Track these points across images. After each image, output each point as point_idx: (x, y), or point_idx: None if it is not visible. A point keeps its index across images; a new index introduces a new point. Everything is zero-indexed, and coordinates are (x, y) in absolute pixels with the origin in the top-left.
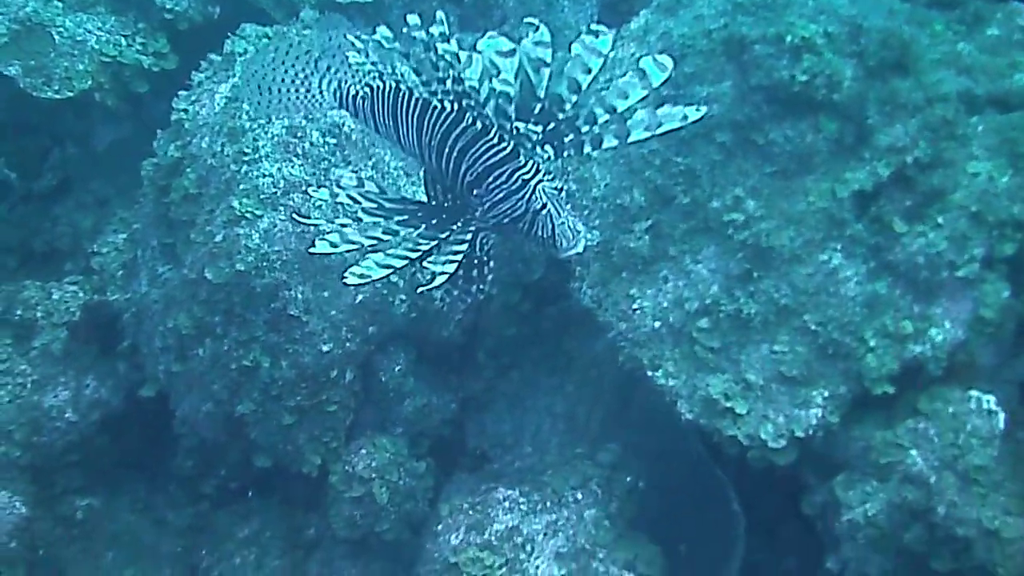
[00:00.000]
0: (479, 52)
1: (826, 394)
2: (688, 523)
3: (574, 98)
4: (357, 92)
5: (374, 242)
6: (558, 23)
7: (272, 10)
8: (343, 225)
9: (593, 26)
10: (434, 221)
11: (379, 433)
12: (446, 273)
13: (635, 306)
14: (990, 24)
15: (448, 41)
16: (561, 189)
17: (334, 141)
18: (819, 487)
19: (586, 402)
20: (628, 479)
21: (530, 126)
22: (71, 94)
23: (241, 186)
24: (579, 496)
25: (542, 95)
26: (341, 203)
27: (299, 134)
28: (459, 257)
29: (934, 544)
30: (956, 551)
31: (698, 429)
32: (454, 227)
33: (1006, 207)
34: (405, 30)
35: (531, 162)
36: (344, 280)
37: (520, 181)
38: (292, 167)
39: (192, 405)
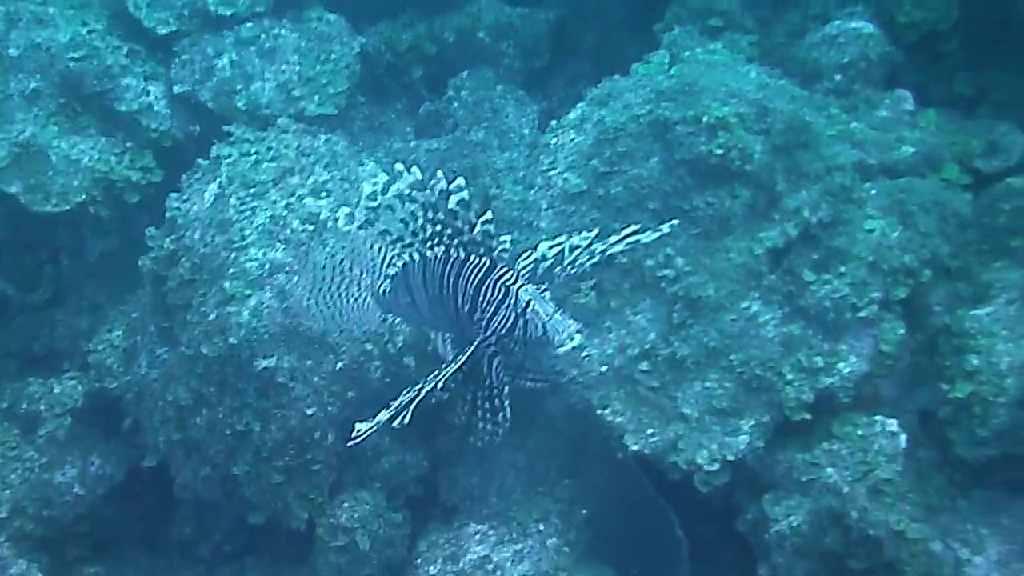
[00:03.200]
0: (453, 192)
1: (752, 423)
2: (638, 548)
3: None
4: (384, 289)
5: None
6: (503, 127)
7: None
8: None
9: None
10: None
11: (359, 488)
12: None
13: (584, 354)
14: (879, 107)
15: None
16: (546, 289)
17: (312, 227)
18: (750, 507)
19: (545, 454)
20: (584, 511)
21: (500, 240)
22: (68, 207)
23: (231, 270)
24: (541, 527)
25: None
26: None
27: (280, 223)
28: (458, 364)
29: (850, 545)
30: (869, 550)
31: (643, 459)
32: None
33: (898, 257)
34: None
35: (509, 270)
36: (354, 439)
37: (503, 289)
38: (276, 251)
39: (191, 470)
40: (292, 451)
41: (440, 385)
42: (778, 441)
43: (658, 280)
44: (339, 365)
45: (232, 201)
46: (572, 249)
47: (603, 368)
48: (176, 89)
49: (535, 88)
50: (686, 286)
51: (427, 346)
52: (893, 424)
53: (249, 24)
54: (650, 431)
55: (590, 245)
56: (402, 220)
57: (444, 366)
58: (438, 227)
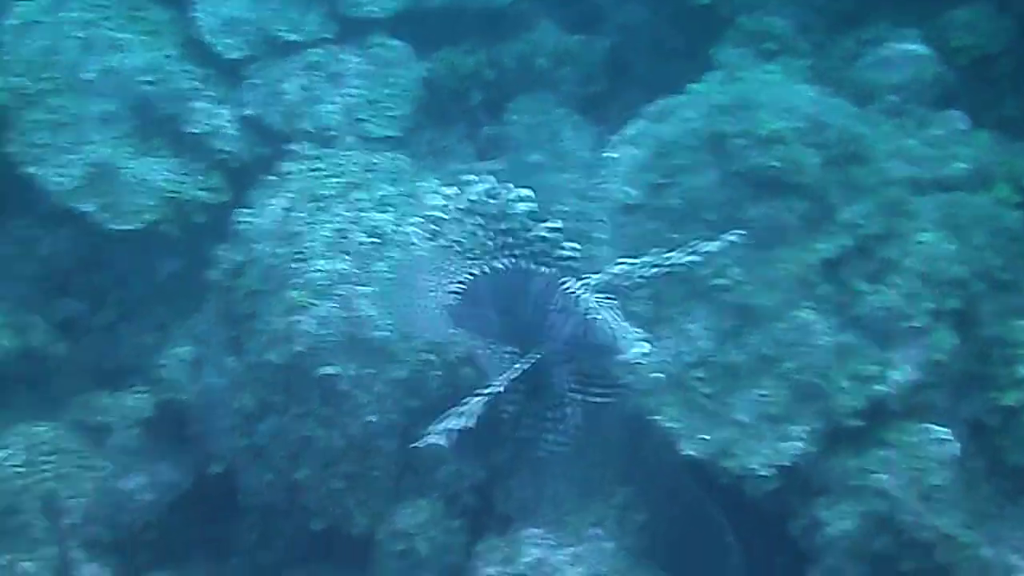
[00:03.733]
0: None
1: (805, 429)
2: (691, 554)
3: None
4: (453, 302)
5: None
6: (561, 150)
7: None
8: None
9: None
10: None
11: (418, 496)
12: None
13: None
14: (932, 126)
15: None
16: (613, 299)
17: (376, 240)
18: (802, 511)
19: (598, 464)
20: (638, 517)
21: (569, 247)
22: (141, 225)
23: (297, 280)
24: (597, 532)
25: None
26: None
27: (345, 235)
28: (525, 368)
29: (901, 548)
30: (920, 553)
31: (697, 464)
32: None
33: (950, 269)
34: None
35: (576, 279)
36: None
37: (570, 297)
38: (340, 263)
39: (256, 476)
40: (353, 458)
41: (507, 388)
42: (830, 447)
43: (712, 289)
44: (400, 374)
45: (299, 214)
46: (638, 266)
47: (659, 375)
48: (245, 112)
49: (592, 113)
50: (741, 295)
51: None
52: (944, 432)
53: (316, 49)
54: (704, 437)
55: (660, 262)
56: (470, 231)
57: (510, 372)
58: (507, 238)
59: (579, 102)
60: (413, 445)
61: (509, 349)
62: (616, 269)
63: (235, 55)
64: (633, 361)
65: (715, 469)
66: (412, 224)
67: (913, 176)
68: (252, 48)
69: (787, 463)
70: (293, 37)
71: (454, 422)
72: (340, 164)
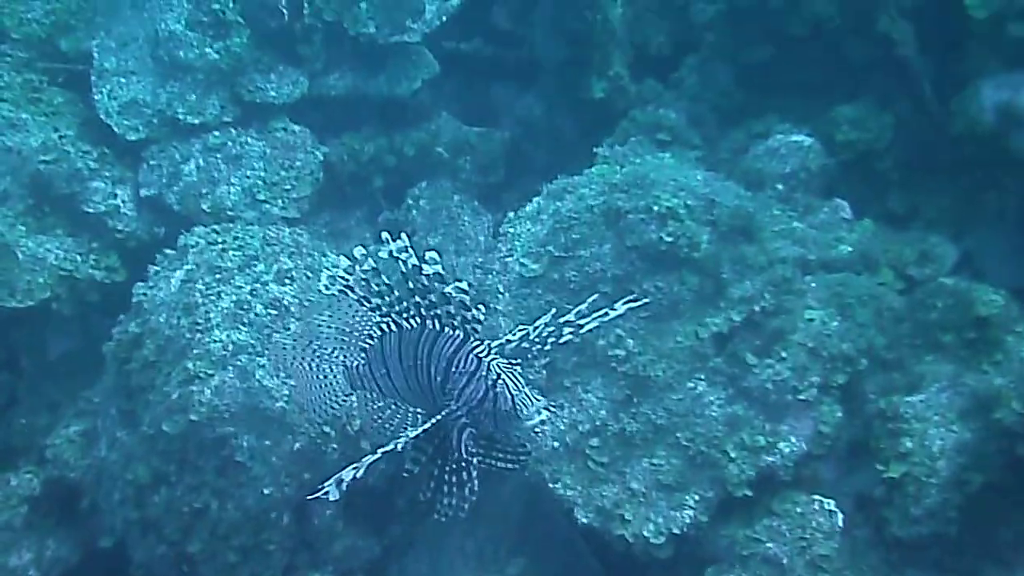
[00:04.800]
0: (428, 263)
1: (697, 498)
2: None
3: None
4: (355, 364)
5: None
6: (460, 234)
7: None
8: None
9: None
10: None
11: (312, 570)
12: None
13: (544, 429)
14: (818, 213)
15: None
16: (516, 364)
17: (275, 312)
18: None
19: (494, 540)
20: None
21: (476, 308)
22: (32, 303)
23: (195, 351)
24: None
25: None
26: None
27: (245, 307)
28: (426, 427)
29: None
30: None
31: (591, 532)
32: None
33: (836, 344)
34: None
35: (482, 343)
36: (323, 493)
37: (475, 360)
38: (240, 333)
39: (148, 548)
40: (248, 530)
41: (407, 447)
42: (721, 517)
43: (609, 359)
44: (297, 446)
45: (199, 286)
46: (542, 327)
47: (555, 443)
48: (143, 192)
49: (490, 202)
50: (635, 365)
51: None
52: (830, 503)
53: (216, 132)
54: (598, 505)
55: (561, 323)
56: (379, 290)
57: (412, 430)
58: (415, 298)
59: (478, 190)
60: (307, 496)
61: (411, 409)
62: (519, 334)
63: (134, 136)
64: (535, 429)
65: (609, 537)
66: (327, 276)
67: (801, 256)
68: (151, 130)
69: (679, 531)
70: (193, 120)
71: (347, 474)
72: (240, 238)
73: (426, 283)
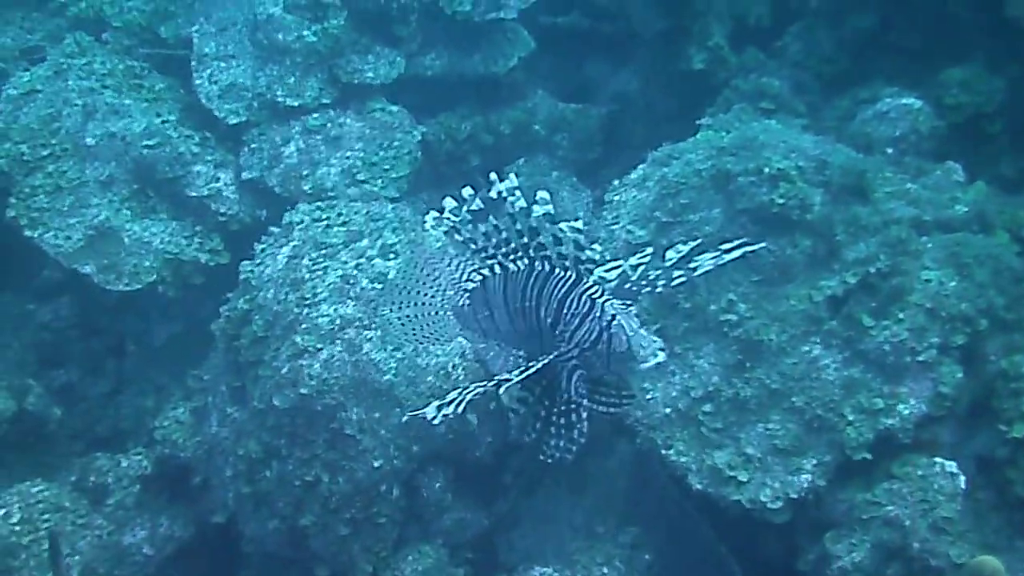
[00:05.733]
0: (537, 203)
1: (814, 462)
2: None
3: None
4: (462, 303)
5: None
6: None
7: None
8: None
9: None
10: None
11: (422, 543)
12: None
13: (648, 396)
14: (930, 175)
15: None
16: (631, 305)
17: (380, 285)
18: (811, 547)
19: (603, 511)
20: (647, 557)
21: (591, 248)
22: (139, 286)
23: (303, 325)
24: (605, 570)
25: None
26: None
27: (351, 281)
28: (537, 367)
29: None
30: None
31: (706, 497)
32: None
33: (955, 305)
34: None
35: (595, 285)
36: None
37: (588, 301)
38: (346, 307)
39: (260, 523)
40: (358, 504)
41: (516, 388)
42: (840, 481)
43: (721, 324)
44: (405, 419)
45: (305, 262)
46: (657, 266)
47: (667, 410)
48: (245, 175)
49: (588, 178)
50: (748, 330)
51: (490, 404)
52: (952, 465)
53: (315, 114)
54: (713, 470)
55: (675, 264)
56: (484, 232)
57: (520, 371)
58: (523, 239)
59: (575, 166)
60: (407, 415)
61: (519, 352)
62: (635, 270)
63: (234, 120)
64: (652, 368)
65: (724, 503)
66: (433, 217)
67: (916, 216)
68: (252, 113)
69: (796, 496)
70: (292, 102)
71: (451, 400)
72: (344, 214)
73: (535, 224)
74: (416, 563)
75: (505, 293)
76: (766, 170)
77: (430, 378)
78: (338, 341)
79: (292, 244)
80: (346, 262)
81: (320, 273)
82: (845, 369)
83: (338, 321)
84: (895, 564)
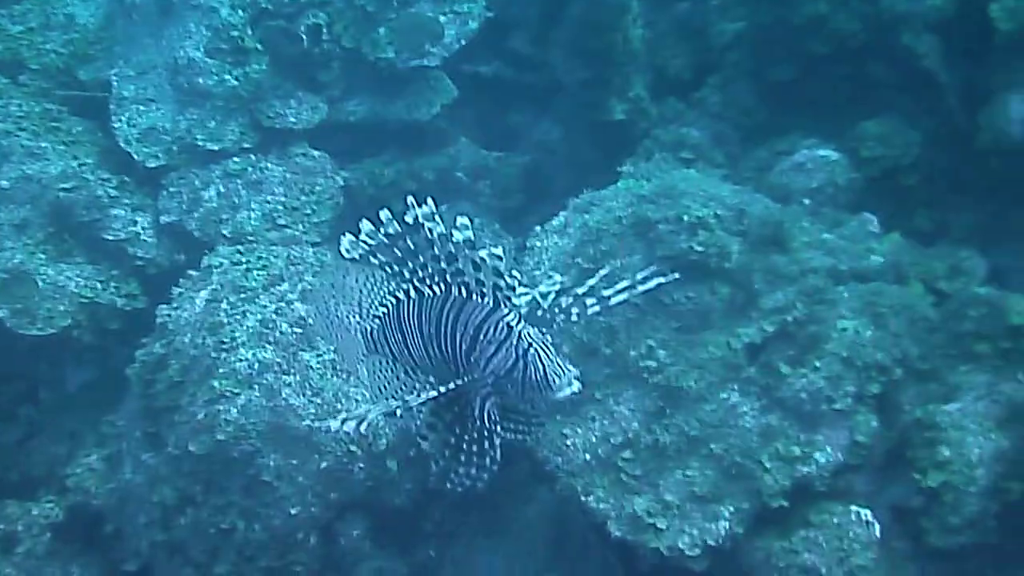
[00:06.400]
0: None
1: (732, 509)
2: None
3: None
4: (370, 329)
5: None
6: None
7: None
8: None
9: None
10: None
11: None
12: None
13: (568, 442)
14: (848, 225)
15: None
16: (546, 334)
17: (300, 330)
18: None
19: (523, 558)
20: None
21: (511, 275)
22: (53, 331)
23: (220, 370)
24: None
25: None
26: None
27: (270, 326)
28: (448, 390)
29: None
30: None
31: (625, 545)
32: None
33: (871, 354)
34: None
35: (513, 311)
36: (328, 426)
37: (505, 327)
38: (265, 352)
39: (174, 571)
40: (275, 551)
41: (427, 416)
42: (757, 528)
43: (640, 371)
44: (323, 465)
45: (223, 305)
46: (571, 294)
47: (587, 456)
48: (163, 219)
49: (510, 226)
50: (667, 376)
51: (410, 451)
52: (867, 513)
53: (236, 158)
54: (632, 517)
55: (588, 293)
56: (400, 256)
57: (431, 391)
58: (440, 264)
59: (498, 213)
60: (317, 425)
61: (425, 378)
62: (547, 296)
63: (153, 163)
64: (566, 398)
65: (643, 551)
66: (348, 240)
67: (832, 266)
68: (171, 157)
69: (714, 543)
70: (213, 146)
71: (363, 412)
72: (264, 258)
73: (453, 249)
74: None
75: (420, 318)
76: (685, 218)
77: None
78: (256, 386)
79: (211, 288)
80: (266, 306)
81: (239, 317)
82: (763, 416)
83: (256, 365)
84: None
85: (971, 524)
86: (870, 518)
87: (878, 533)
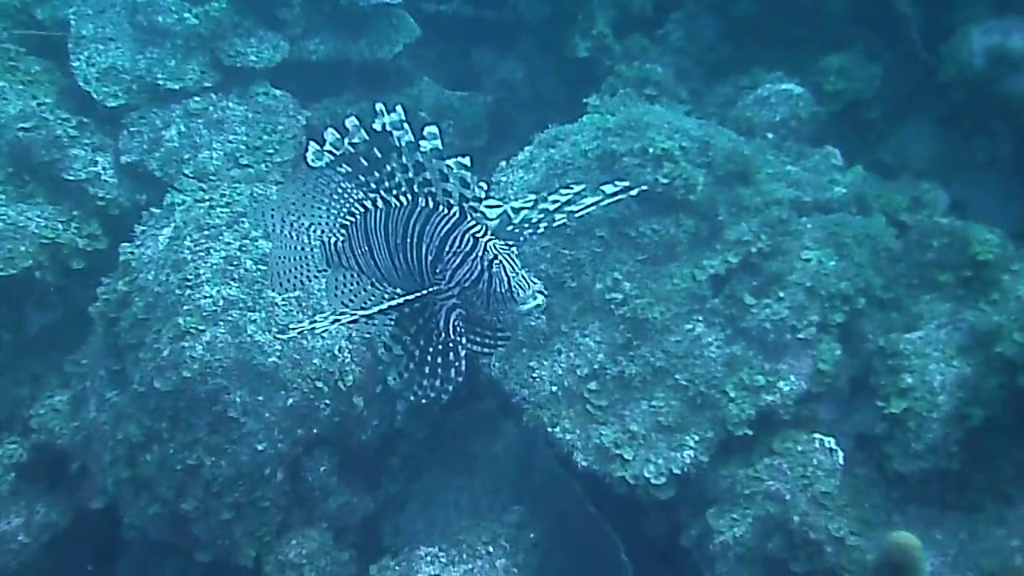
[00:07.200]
0: (424, 138)
1: (697, 438)
2: (584, 572)
3: (532, 198)
4: (334, 240)
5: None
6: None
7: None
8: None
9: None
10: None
11: (307, 527)
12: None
13: (535, 375)
14: (811, 158)
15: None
16: (512, 246)
17: (265, 267)
18: (694, 522)
19: (489, 492)
20: (531, 535)
21: (478, 186)
22: (14, 271)
23: (185, 307)
24: (490, 549)
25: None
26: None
27: (234, 262)
28: (412, 298)
29: (792, 549)
30: (811, 554)
31: (591, 475)
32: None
33: (834, 284)
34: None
35: (479, 223)
36: (291, 330)
37: (471, 239)
38: (230, 289)
39: (140, 508)
40: (242, 487)
41: (392, 327)
42: (721, 457)
43: (606, 303)
44: (290, 401)
45: (187, 243)
46: (539, 210)
47: (554, 388)
48: (124, 159)
49: (475, 166)
50: (633, 308)
51: (376, 387)
52: (831, 441)
53: (197, 97)
54: (598, 447)
55: (557, 207)
56: (367, 165)
57: (394, 302)
58: (407, 174)
59: (461, 154)
60: (281, 332)
61: (391, 289)
62: (517, 214)
63: (113, 103)
64: (529, 312)
65: (609, 480)
66: (314, 150)
67: (796, 197)
68: (131, 96)
69: (679, 471)
70: (173, 85)
71: (325, 321)
72: (228, 195)
73: (421, 159)
74: (300, 547)
75: (386, 228)
76: (651, 150)
77: (316, 360)
78: (221, 323)
79: (174, 225)
80: (229, 243)
81: (203, 254)
82: (727, 347)
83: (221, 302)
84: (775, 538)
85: (933, 450)
86: (834, 445)
87: (842, 460)
